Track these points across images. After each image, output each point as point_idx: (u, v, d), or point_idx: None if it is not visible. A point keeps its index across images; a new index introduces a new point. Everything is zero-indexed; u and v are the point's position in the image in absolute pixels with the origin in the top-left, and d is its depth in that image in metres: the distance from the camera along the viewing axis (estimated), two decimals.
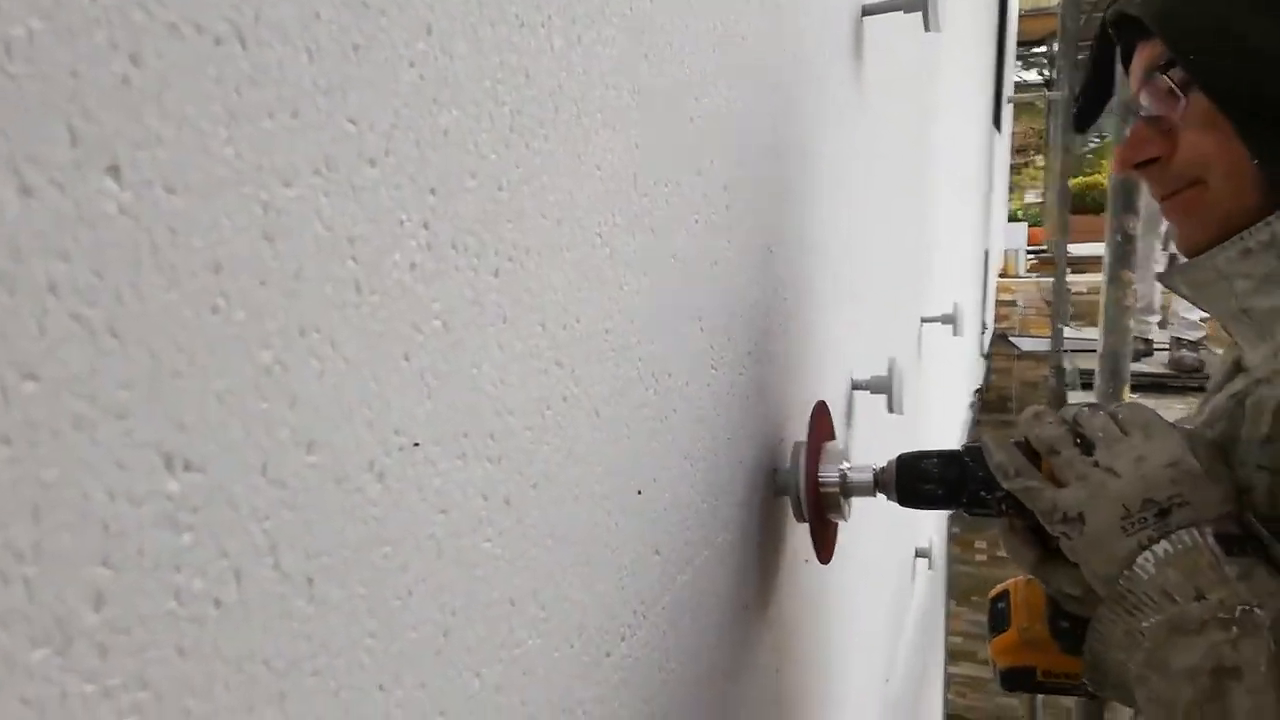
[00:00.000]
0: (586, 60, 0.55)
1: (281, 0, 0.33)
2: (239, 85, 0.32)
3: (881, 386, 1.36)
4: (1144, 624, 0.58)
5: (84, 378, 0.27)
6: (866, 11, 1.30)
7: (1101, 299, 2.08)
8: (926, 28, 1.31)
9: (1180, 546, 0.58)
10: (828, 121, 1.16)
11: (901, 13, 1.31)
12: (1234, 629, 0.54)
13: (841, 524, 1.26)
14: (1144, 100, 0.69)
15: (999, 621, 0.81)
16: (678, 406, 0.73)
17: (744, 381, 0.89)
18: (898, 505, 0.84)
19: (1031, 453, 0.69)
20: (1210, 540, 0.58)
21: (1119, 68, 0.74)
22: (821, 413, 1.04)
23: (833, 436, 1.06)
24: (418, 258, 0.41)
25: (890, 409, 1.36)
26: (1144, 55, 0.69)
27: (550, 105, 0.51)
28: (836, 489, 0.96)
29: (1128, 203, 2.18)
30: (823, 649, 1.33)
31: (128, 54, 0.28)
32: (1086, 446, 0.65)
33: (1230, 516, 0.59)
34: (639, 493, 0.66)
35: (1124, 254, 2.15)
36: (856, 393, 1.41)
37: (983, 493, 0.74)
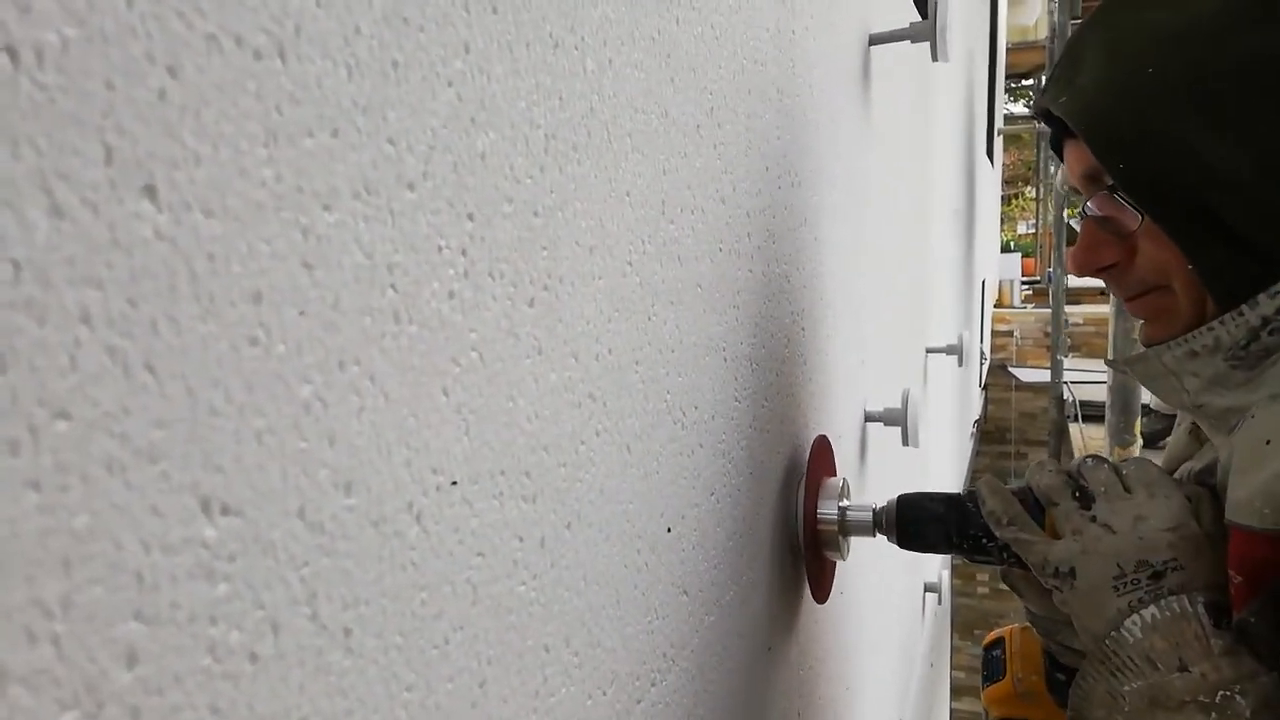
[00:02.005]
0: (617, 83, 0.54)
1: (322, 13, 0.32)
2: (279, 102, 0.30)
3: (895, 419, 1.34)
4: (1125, 688, 0.57)
5: (117, 416, 0.25)
6: (874, 41, 1.29)
7: (1110, 330, 2.07)
8: (934, 58, 1.31)
9: (1169, 614, 0.57)
10: (840, 150, 1.15)
11: (909, 42, 1.30)
12: (1213, 715, 0.53)
13: (856, 560, 1.23)
14: (1091, 204, 0.64)
15: (993, 670, 0.79)
16: (704, 441, 0.71)
17: (765, 414, 0.87)
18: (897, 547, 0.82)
19: (1036, 502, 0.67)
20: (1200, 609, 0.57)
21: None
22: (822, 448, 1.02)
23: (833, 473, 1.04)
24: (456, 286, 0.39)
25: (905, 442, 1.34)
26: (1079, 156, 0.64)
27: (583, 129, 0.50)
28: (835, 527, 0.93)
29: None
30: (841, 689, 1.29)
31: (165, 66, 0.26)
32: (1086, 499, 0.64)
33: (1222, 586, 0.58)
34: (669, 530, 0.63)
35: None
36: (869, 425, 1.39)
37: (984, 540, 0.72)
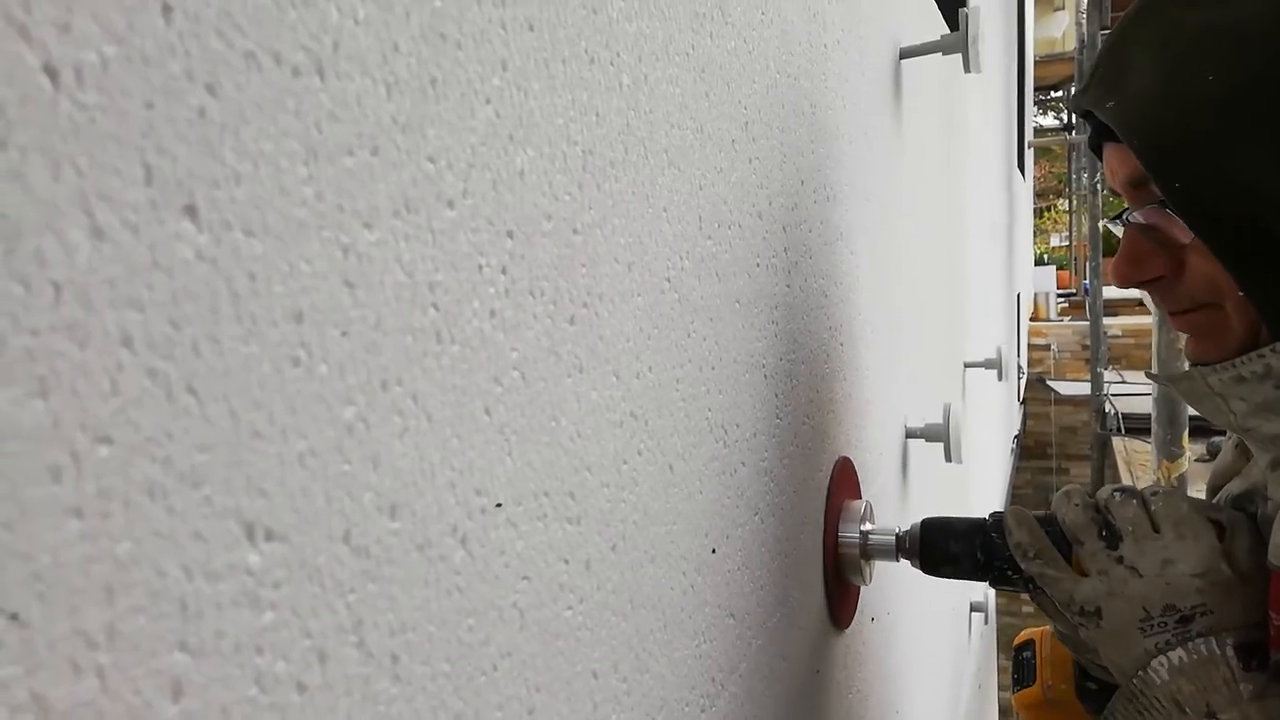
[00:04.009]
0: (653, 99, 0.53)
1: (360, 30, 0.31)
2: (319, 120, 0.30)
3: (937, 434, 1.32)
4: None
5: (159, 440, 0.24)
6: (905, 55, 1.28)
7: (1154, 341, 2.02)
8: (967, 69, 1.29)
9: (1196, 656, 0.56)
10: (873, 164, 1.14)
11: (940, 55, 1.29)
12: None
13: (901, 579, 1.20)
14: (1138, 215, 0.60)
15: (1024, 674, 0.78)
16: (746, 459, 0.69)
17: (807, 431, 0.85)
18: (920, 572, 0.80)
19: (1063, 534, 0.65)
20: (1229, 652, 0.55)
21: None
22: (845, 470, 1.00)
23: (857, 495, 1.01)
24: (497, 305, 0.39)
25: (948, 458, 1.31)
26: (1122, 159, 0.60)
27: (620, 145, 0.49)
28: (856, 550, 0.91)
29: None
30: (890, 713, 1.26)
31: (204, 84, 0.26)
32: (1113, 537, 0.62)
33: (1254, 625, 0.56)
34: (713, 551, 0.62)
35: None
36: (910, 441, 1.37)
37: (1009, 571, 0.71)
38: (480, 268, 0.38)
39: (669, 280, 0.55)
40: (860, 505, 0.96)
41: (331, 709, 0.29)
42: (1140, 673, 0.57)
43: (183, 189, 0.25)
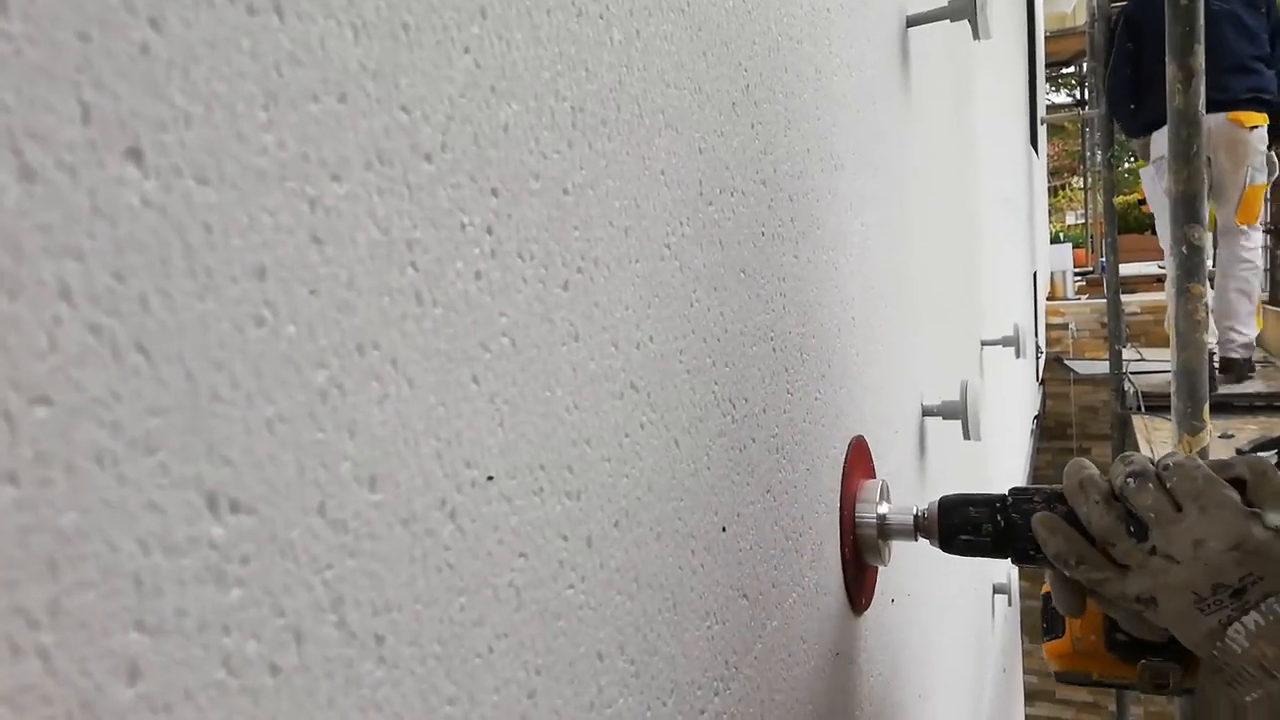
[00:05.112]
0: (646, 56, 0.51)
1: None
2: (278, 62, 0.28)
3: (954, 412, 1.29)
4: (1247, 698, 0.55)
5: (106, 402, 0.22)
6: (911, 22, 1.25)
7: (1171, 315, 1.98)
8: (976, 35, 1.26)
9: (1272, 618, 0.55)
10: (882, 133, 1.11)
11: (948, 21, 1.26)
12: None
13: (921, 561, 1.18)
14: None
15: (1053, 624, 0.76)
16: (755, 435, 0.67)
17: (819, 407, 0.83)
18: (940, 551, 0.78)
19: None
20: None
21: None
22: (859, 450, 0.97)
23: (872, 475, 0.99)
24: (482, 266, 0.37)
25: (966, 435, 1.28)
26: None
27: (612, 103, 0.47)
28: (874, 531, 0.89)
29: (1191, 213, 2.08)
30: (913, 695, 1.24)
31: (147, 18, 0.24)
32: (1140, 528, 0.61)
33: None
34: (723, 530, 0.60)
35: (1191, 266, 2.05)
36: (927, 420, 1.34)
37: (1031, 551, 0.70)
38: (463, 226, 0.36)
39: (668, 247, 0.53)
40: (876, 484, 0.93)
41: (310, 692, 0.27)
42: (1219, 643, 0.56)
43: (126, 130, 0.23)
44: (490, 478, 0.36)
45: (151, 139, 0.24)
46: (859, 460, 0.95)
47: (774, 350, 0.71)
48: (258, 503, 0.26)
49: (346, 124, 0.30)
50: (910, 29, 1.27)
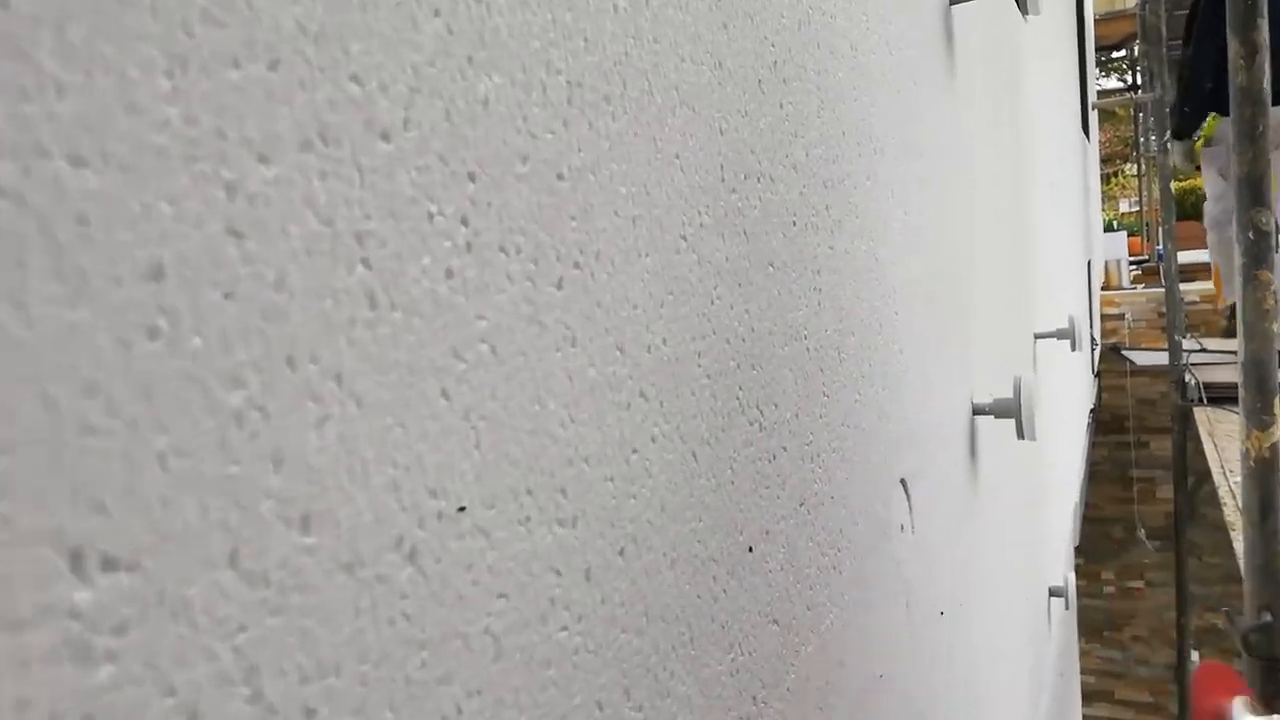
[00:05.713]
0: (657, 26, 0.45)
1: None
2: (186, 21, 0.23)
3: (1008, 410, 1.22)
4: None
5: None
6: (954, 0, 1.18)
7: (1239, 303, 1.87)
8: (1024, 11, 1.18)
9: None
10: (924, 115, 1.04)
11: None
12: None
13: (975, 566, 1.11)
14: None
15: None
16: (787, 444, 0.62)
17: (859, 410, 0.77)
18: None
19: None
20: None
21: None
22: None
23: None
24: (455, 262, 0.32)
25: (1020, 435, 1.21)
26: None
27: (617, 77, 0.42)
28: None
29: (1256, 196, 1.97)
30: (962, 711, 1.17)
31: None
32: None
33: None
34: (750, 550, 0.54)
35: (1259, 252, 1.93)
36: (978, 418, 1.27)
37: None
38: (430, 216, 0.31)
39: (684, 238, 0.48)
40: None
41: None
42: None
43: None
44: (462, 508, 0.31)
45: (8, 110, 0.19)
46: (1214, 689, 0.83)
47: (808, 350, 0.65)
48: (141, 556, 0.21)
49: (278, 95, 0.26)
50: (954, 6, 1.20)
